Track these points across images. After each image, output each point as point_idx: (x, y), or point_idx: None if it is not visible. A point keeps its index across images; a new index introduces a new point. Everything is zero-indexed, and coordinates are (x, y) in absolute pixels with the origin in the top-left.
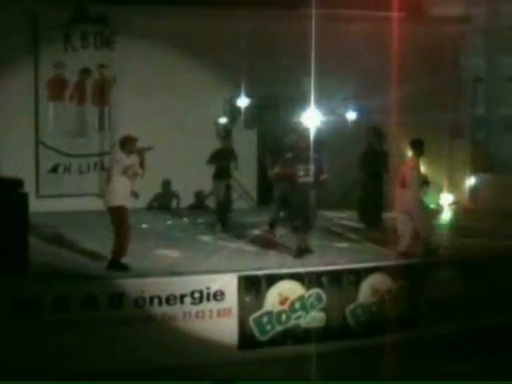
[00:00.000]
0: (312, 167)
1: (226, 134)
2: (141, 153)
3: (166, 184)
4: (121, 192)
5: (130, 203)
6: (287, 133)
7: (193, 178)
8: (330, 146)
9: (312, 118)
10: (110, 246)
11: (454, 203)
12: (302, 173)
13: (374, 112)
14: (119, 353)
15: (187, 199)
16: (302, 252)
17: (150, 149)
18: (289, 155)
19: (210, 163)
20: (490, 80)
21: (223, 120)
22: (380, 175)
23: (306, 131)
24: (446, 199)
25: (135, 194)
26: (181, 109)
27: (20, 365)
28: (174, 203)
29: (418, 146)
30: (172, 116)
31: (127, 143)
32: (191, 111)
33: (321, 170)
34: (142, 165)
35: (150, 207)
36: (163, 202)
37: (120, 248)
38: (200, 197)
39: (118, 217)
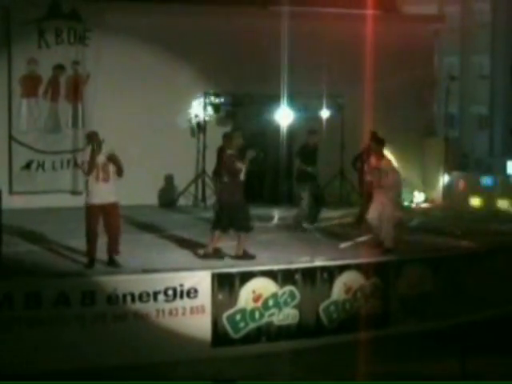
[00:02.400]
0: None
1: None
2: (92, 152)
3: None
4: (90, 191)
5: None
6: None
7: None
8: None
9: (285, 116)
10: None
11: (426, 201)
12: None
13: (347, 110)
14: (92, 350)
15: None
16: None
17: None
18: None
19: None
20: (463, 78)
21: (197, 118)
22: None
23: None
24: (419, 197)
25: None
26: (154, 105)
27: None
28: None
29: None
30: (145, 112)
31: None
32: (165, 108)
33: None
34: (90, 162)
35: None
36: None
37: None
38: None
39: (86, 215)
